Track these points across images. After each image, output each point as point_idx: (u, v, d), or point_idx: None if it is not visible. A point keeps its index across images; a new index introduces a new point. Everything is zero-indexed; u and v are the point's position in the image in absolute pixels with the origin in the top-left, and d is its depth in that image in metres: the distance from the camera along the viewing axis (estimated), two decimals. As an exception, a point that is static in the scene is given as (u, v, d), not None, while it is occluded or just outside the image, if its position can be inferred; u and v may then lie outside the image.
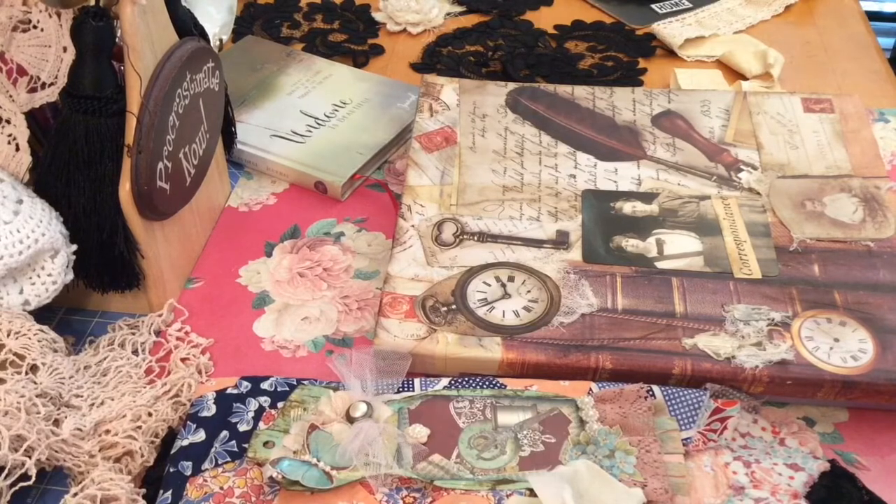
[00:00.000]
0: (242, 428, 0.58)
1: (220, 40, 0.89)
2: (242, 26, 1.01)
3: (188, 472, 0.56)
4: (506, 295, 0.66)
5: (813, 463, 0.57)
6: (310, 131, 0.84)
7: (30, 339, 0.59)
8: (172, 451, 0.57)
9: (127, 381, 0.62)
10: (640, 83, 0.94)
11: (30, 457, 0.53)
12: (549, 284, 0.66)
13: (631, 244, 0.69)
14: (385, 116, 0.86)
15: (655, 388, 0.59)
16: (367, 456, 0.55)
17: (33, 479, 0.52)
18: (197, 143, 0.69)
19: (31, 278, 0.62)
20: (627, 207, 0.73)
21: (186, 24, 0.67)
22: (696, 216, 0.71)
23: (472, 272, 0.68)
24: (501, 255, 0.69)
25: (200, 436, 0.58)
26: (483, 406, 0.58)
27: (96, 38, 0.60)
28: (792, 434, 0.59)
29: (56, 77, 0.62)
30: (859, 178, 0.74)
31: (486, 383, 0.60)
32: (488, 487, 0.54)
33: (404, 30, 1.03)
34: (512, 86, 0.84)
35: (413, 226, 0.71)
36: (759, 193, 0.73)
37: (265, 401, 0.60)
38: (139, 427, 0.58)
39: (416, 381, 0.60)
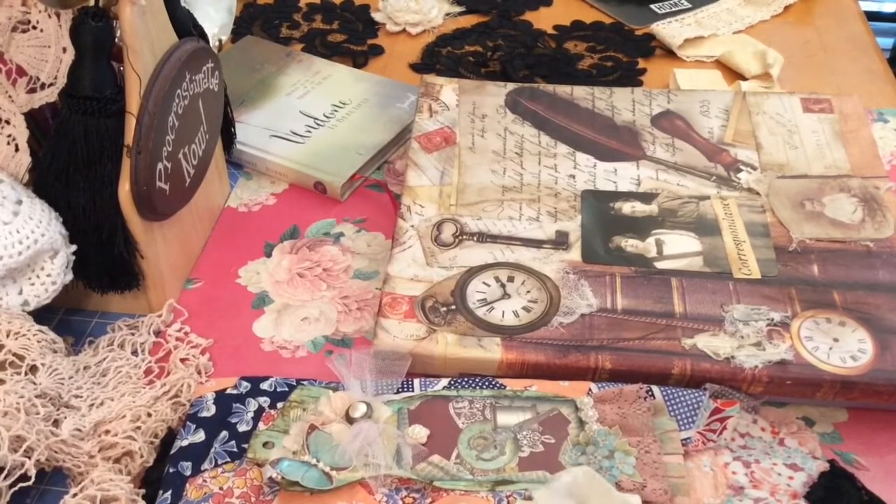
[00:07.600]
0: (242, 428, 0.58)
1: (220, 41, 0.89)
2: (242, 27, 1.01)
3: (187, 473, 0.56)
4: (505, 295, 0.66)
5: (812, 463, 0.57)
6: (309, 132, 0.84)
7: (29, 339, 0.59)
8: (172, 452, 0.57)
9: (126, 381, 0.62)
10: (640, 83, 0.94)
11: (29, 457, 0.53)
12: (548, 285, 0.66)
13: (630, 244, 0.69)
14: (384, 117, 0.86)
15: (655, 389, 0.59)
16: (367, 456, 0.55)
17: (33, 479, 0.52)
18: (196, 143, 0.69)
19: (30, 279, 0.62)
20: (627, 208, 0.73)
21: (186, 25, 0.67)
22: (695, 216, 0.71)
23: (472, 272, 0.68)
24: (501, 255, 0.69)
25: (200, 436, 0.58)
26: (482, 406, 0.58)
27: (95, 39, 0.60)
28: (791, 434, 0.60)
29: (55, 77, 0.62)
30: (858, 178, 0.74)
31: (486, 384, 0.60)
32: (488, 488, 0.54)
33: (403, 30, 1.03)
34: (511, 86, 0.84)
35: (412, 226, 0.71)
36: (758, 193, 0.73)
37: (265, 401, 0.60)
38: (139, 427, 0.58)
39: (416, 381, 0.60)
